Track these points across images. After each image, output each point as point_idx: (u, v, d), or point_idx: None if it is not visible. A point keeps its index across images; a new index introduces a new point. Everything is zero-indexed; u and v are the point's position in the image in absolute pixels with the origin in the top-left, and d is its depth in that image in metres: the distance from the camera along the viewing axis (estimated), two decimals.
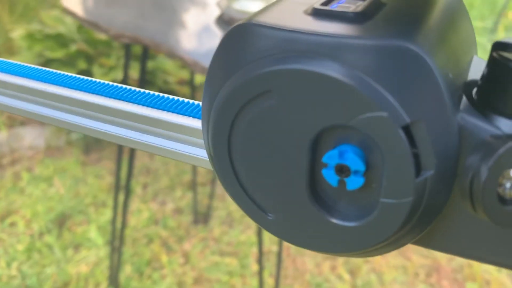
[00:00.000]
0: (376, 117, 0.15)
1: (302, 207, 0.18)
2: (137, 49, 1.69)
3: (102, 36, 1.99)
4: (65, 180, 1.70)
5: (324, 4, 0.18)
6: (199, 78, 1.99)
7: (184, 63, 0.85)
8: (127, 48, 1.09)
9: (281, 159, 0.17)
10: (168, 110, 0.24)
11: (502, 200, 0.15)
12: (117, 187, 1.35)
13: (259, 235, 1.20)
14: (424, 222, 0.17)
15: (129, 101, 0.24)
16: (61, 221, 1.55)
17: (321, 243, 0.18)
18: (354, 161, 0.16)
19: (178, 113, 0.24)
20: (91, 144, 1.85)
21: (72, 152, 1.84)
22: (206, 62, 0.79)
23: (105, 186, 1.67)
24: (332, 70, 0.15)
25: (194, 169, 1.60)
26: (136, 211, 1.57)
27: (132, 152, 1.25)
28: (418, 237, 0.18)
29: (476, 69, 0.19)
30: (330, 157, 0.16)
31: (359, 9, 0.17)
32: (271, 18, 0.17)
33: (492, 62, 0.16)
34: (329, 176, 0.16)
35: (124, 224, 1.34)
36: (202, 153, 0.24)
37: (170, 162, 1.78)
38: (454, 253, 0.18)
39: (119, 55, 1.96)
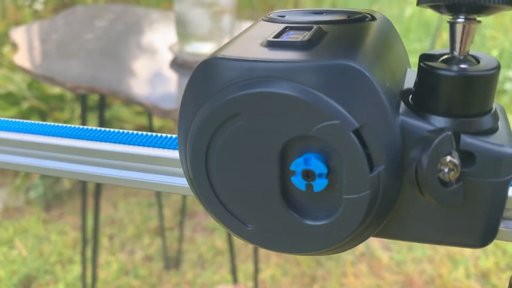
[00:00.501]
0: (331, 125, 0.17)
1: (277, 214, 0.20)
2: (91, 100, 1.70)
3: (53, 91, 1.98)
4: (27, 240, 1.64)
5: (276, 36, 0.20)
6: (157, 122, 2.00)
7: (143, 108, 0.86)
8: (83, 98, 1.10)
9: (255, 173, 0.20)
10: (143, 145, 0.26)
11: (443, 183, 0.18)
12: (84, 241, 1.32)
13: (234, 273, 1.20)
14: (382, 213, 0.19)
15: (106, 141, 0.26)
16: (26, 284, 1.48)
17: (298, 245, 0.20)
18: (317, 166, 0.18)
19: (153, 146, 0.26)
20: (52, 201, 1.81)
21: (32, 211, 1.78)
22: (164, 105, 0.81)
23: (70, 242, 1.62)
24: (289, 89, 0.18)
25: (161, 214, 1.59)
26: (105, 264, 1.53)
27: (97, 203, 1.23)
28: (378, 229, 0.20)
29: (410, 79, 0.22)
30: (297, 165, 0.19)
31: (306, 38, 0.19)
32: (233, 52, 0.20)
33: (421, 71, 0.19)
34: (298, 182, 0.19)
35: (94, 278, 1.30)
36: (178, 181, 0.26)
37: (134, 210, 1.75)
38: (410, 239, 0.21)
39: (72, 108, 1.95)
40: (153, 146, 0.26)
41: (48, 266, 1.53)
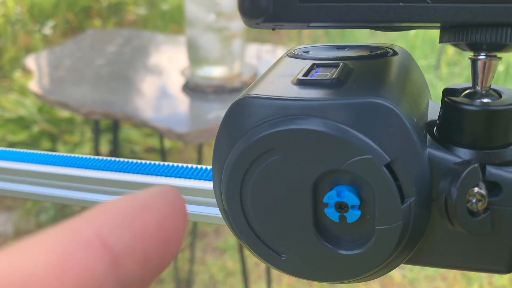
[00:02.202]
0: (363, 160, 0.18)
1: (311, 244, 0.21)
2: (102, 123, 1.72)
3: (63, 114, 2.01)
4: None
5: (305, 75, 0.22)
6: (167, 143, 2.02)
7: (157, 132, 0.88)
8: (95, 123, 1.11)
9: (288, 205, 0.20)
10: (170, 176, 0.27)
11: (472, 213, 0.18)
12: None
13: None
14: (413, 242, 0.20)
15: (140, 173, 0.27)
16: None
17: (331, 274, 0.21)
18: (350, 198, 0.19)
19: (184, 177, 0.27)
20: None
21: None
22: (178, 128, 0.82)
23: None
24: (322, 126, 0.19)
25: None
26: None
27: None
28: (408, 256, 0.21)
29: (433, 111, 0.23)
30: (330, 197, 0.19)
31: (334, 76, 0.21)
32: (265, 90, 0.21)
33: (445, 105, 0.20)
34: (331, 214, 0.20)
35: None
36: (205, 210, 0.27)
37: None
38: (439, 265, 0.22)
39: (82, 131, 1.97)
40: (180, 177, 0.27)
41: None
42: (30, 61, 1.16)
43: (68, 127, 2.00)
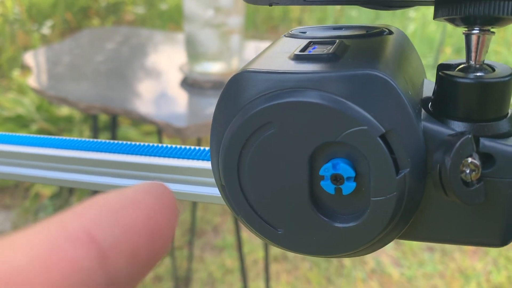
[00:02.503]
0: (358, 131, 0.19)
1: (307, 218, 0.21)
2: (101, 122, 1.72)
3: (62, 113, 2.01)
4: None
5: (302, 50, 0.22)
6: (166, 142, 2.02)
7: (154, 127, 0.88)
8: (94, 119, 1.11)
9: (285, 179, 0.21)
10: (176, 157, 0.28)
11: (466, 183, 0.19)
12: None
13: None
14: (408, 214, 0.20)
15: (142, 154, 0.27)
16: None
17: (327, 247, 0.21)
18: (345, 170, 0.19)
19: (183, 158, 0.27)
20: None
21: None
22: (176, 123, 0.83)
23: None
24: (318, 98, 0.19)
25: None
26: None
27: None
28: (403, 230, 0.21)
29: (428, 89, 0.24)
30: (326, 170, 0.20)
31: (331, 51, 0.21)
32: (262, 65, 0.21)
33: (440, 79, 0.21)
34: (327, 186, 0.20)
35: None
36: (203, 190, 0.28)
37: None
38: (433, 240, 0.22)
39: (81, 129, 1.98)
40: (178, 157, 0.27)
41: None
42: (29, 58, 1.16)
43: (66, 126, 2.00)
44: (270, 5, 0.21)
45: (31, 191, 1.87)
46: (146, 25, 3.22)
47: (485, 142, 0.19)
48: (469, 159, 0.18)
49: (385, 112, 0.19)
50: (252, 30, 3.21)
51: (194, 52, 0.99)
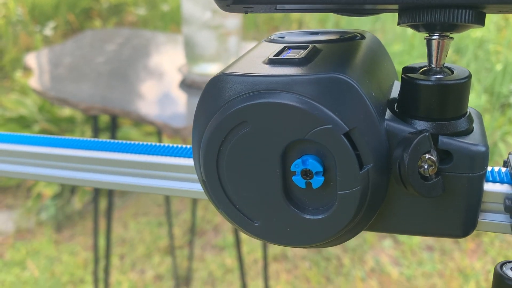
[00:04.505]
0: (324, 129, 0.20)
1: (281, 211, 0.23)
2: (102, 122, 1.73)
3: (64, 114, 2.03)
4: (39, 261, 1.66)
5: (276, 55, 0.23)
6: (166, 142, 2.03)
7: (153, 128, 0.89)
8: (94, 120, 1.13)
9: (260, 174, 0.22)
10: (156, 154, 0.29)
11: (424, 177, 0.20)
12: (96, 261, 1.34)
13: None
14: (373, 207, 0.22)
15: (128, 152, 0.29)
16: None
17: (299, 238, 0.23)
18: (314, 165, 0.21)
19: (165, 155, 0.29)
20: (62, 222, 1.84)
21: (43, 232, 1.81)
22: (175, 123, 0.84)
23: (81, 262, 1.65)
24: (288, 99, 0.21)
25: (170, 233, 1.61)
26: (116, 283, 1.54)
27: (109, 222, 1.26)
28: (370, 223, 0.23)
29: (397, 90, 0.25)
30: (296, 165, 0.21)
31: (302, 55, 0.22)
32: (239, 69, 0.23)
33: (403, 81, 0.22)
34: (298, 181, 0.22)
35: None
36: (188, 186, 0.29)
37: (144, 230, 1.78)
38: (399, 231, 0.23)
39: (82, 130, 1.99)
40: (166, 155, 0.29)
41: (60, 287, 1.54)
42: (31, 59, 1.18)
43: (68, 126, 2.02)
44: (246, 13, 0.22)
45: (33, 191, 1.89)
46: (148, 26, 3.24)
47: (443, 139, 0.21)
48: (427, 155, 0.20)
49: (348, 112, 0.20)
50: (254, 31, 3.23)
51: (192, 53, 1.01)
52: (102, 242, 1.54)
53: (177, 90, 1.01)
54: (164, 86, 1.06)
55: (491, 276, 1.53)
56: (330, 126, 0.20)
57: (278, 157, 0.22)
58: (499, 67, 2.34)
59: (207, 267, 1.59)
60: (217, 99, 0.22)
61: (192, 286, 1.53)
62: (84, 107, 0.88)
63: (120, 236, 1.75)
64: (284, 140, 0.21)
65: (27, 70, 2.49)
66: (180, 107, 0.95)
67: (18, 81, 2.43)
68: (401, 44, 2.55)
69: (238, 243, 1.18)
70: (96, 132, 1.21)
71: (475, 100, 2.32)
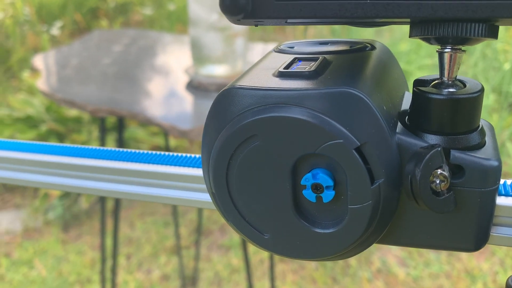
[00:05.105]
0: (335, 144, 0.20)
1: (290, 224, 0.22)
2: (109, 122, 1.74)
3: (71, 114, 2.03)
4: (47, 260, 1.67)
5: (286, 67, 0.23)
6: (173, 142, 2.04)
7: (160, 129, 0.90)
8: (102, 121, 1.13)
9: (270, 187, 0.22)
10: (165, 164, 0.29)
11: (436, 193, 0.20)
12: (103, 261, 1.35)
13: None
14: (384, 221, 0.22)
15: (136, 161, 0.29)
16: None
17: (309, 251, 0.23)
18: (324, 179, 0.21)
19: (174, 165, 0.29)
20: (70, 222, 1.85)
21: (51, 231, 1.82)
22: (181, 125, 0.84)
23: (88, 262, 1.65)
24: (298, 113, 0.20)
25: (177, 233, 1.61)
26: (123, 283, 1.55)
27: (116, 222, 1.27)
28: (381, 236, 0.23)
29: (408, 101, 0.25)
30: (307, 179, 0.21)
31: (312, 68, 0.22)
32: (249, 82, 0.22)
33: (415, 95, 0.22)
34: (309, 195, 0.21)
35: None
36: (197, 196, 0.29)
37: (151, 229, 1.78)
38: (410, 245, 0.23)
39: (90, 130, 2.00)
40: (173, 165, 0.29)
41: (67, 286, 1.55)
42: (38, 61, 1.18)
43: (75, 126, 2.03)
44: (256, 25, 0.22)
45: (41, 191, 1.90)
46: (154, 26, 3.24)
47: (455, 154, 0.21)
48: (439, 171, 0.20)
49: (360, 127, 0.20)
50: (260, 31, 3.23)
51: (199, 55, 1.01)
52: (109, 242, 1.54)
53: (184, 91, 1.01)
54: (170, 88, 1.06)
55: (498, 277, 1.52)
56: (342, 141, 0.20)
57: (288, 171, 0.21)
58: (507, 66, 2.32)
59: (213, 267, 1.60)
60: (227, 112, 0.22)
61: (198, 286, 1.53)
62: (91, 109, 0.88)
63: (127, 236, 1.76)
64: (294, 154, 0.21)
65: (34, 70, 2.50)
66: (187, 108, 0.95)
67: (25, 81, 2.44)
68: (408, 43, 2.54)
69: (244, 243, 1.18)
70: (103, 132, 1.21)
71: (483, 99, 2.31)
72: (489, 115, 2.28)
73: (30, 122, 2.01)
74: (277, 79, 0.22)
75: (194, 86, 1.00)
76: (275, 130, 0.21)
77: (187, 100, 0.99)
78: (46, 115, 2.04)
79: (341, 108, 0.20)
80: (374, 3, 0.19)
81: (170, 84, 1.08)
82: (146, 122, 0.87)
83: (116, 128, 1.20)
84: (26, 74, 2.49)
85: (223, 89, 0.23)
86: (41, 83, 1.03)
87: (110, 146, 1.77)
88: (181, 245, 1.65)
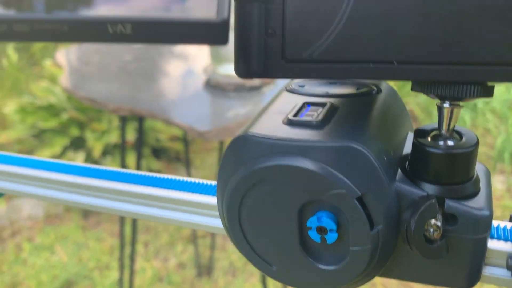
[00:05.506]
0: (338, 193, 0.22)
1: (297, 259, 0.25)
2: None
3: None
4: (67, 246, 1.73)
5: (295, 115, 0.25)
6: (190, 141, 2.06)
7: (180, 129, 0.92)
8: (123, 119, 1.16)
9: (278, 226, 0.24)
10: (182, 190, 0.32)
11: (429, 240, 0.22)
12: (122, 248, 1.39)
13: (264, 282, 1.25)
14: (382, 261, 0.24)
15: (155, 186, 0.32)
16: None
17: (313, 284, 0.25)
18: (328, 223, 0.23)
19: (197, 192, 0.31)
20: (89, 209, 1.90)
21: (71, 218, 1.87)
22: (200, 126, 0.87)
23: (107, 249, 1.70)
24: (304, 163, 0.22)
25: None
26: (140, 270, 1.60)
27: None
28: (380, 271, 0.25)
29: (410, 143, 0.27)
30: (312, 222, 0.23)
31: (319, 118, 0.24)
32: (260, 129, 0.24)
33: (414, 146, 0.24)
34: (314, 236, 0.23)
35: (131, 284, 1.37)
36: (214, 222, 0.31)
37: None
38: (407, 280, 0.25)
39: (110, 119, 2.04)
40: (193, 192, 0.31)
41: (86, 272, 1.61)
42: (61, 57, 1.21)
43: (96, 115, 2.06)
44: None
45: None
46: None
47: (450, 203, 0.23)
48: (432, 221, 0.22)
49: (361, 178, 0.22)
50: None
51: (217, 54, 1.03)
52: (127, 229, 1.59)
53: (202, 91, 1.03)
54: (190, 87, 1.08)
55: None
56: (344, 190, 0.22)
57: (295, 213, 0.24)
58: None
59: (228, 257, 1.63)
60: (239, 157, 0.24)
61: (213, 275, 1.57)
62: (112, 108, 0.91)
63: (145, 224, 1.80)
64: (300, 199, 0.23)
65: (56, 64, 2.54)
66: (204, 108, 0.97)
67: (47, 69, 2.49)
68: None
69: None
70: (124, 122, 1.24)
71: (504, 94, 2.28)
72: (509, 110, 2.25)
73: (52, 110, 2.06)
74: (286, 127, 0.24)
75: (212, 86, 1.02)
76: (281, 177, 0.23)
77: (205, 100, 1.01)
78: (68, 104, 2.08)
79: (344, 160, 0.22)
80: (377, 67, 0.21)
81: (189, 83, 1.10)
82: (165, 122, 0.89)
83: (136, 117, 1.23)
84: (48, 63, 2.54)
85: (238, 134, 0.25)
86: (63, 80, 1.06)
87: (130, 135, 1.81)
88: (197, 234, 1.69)
